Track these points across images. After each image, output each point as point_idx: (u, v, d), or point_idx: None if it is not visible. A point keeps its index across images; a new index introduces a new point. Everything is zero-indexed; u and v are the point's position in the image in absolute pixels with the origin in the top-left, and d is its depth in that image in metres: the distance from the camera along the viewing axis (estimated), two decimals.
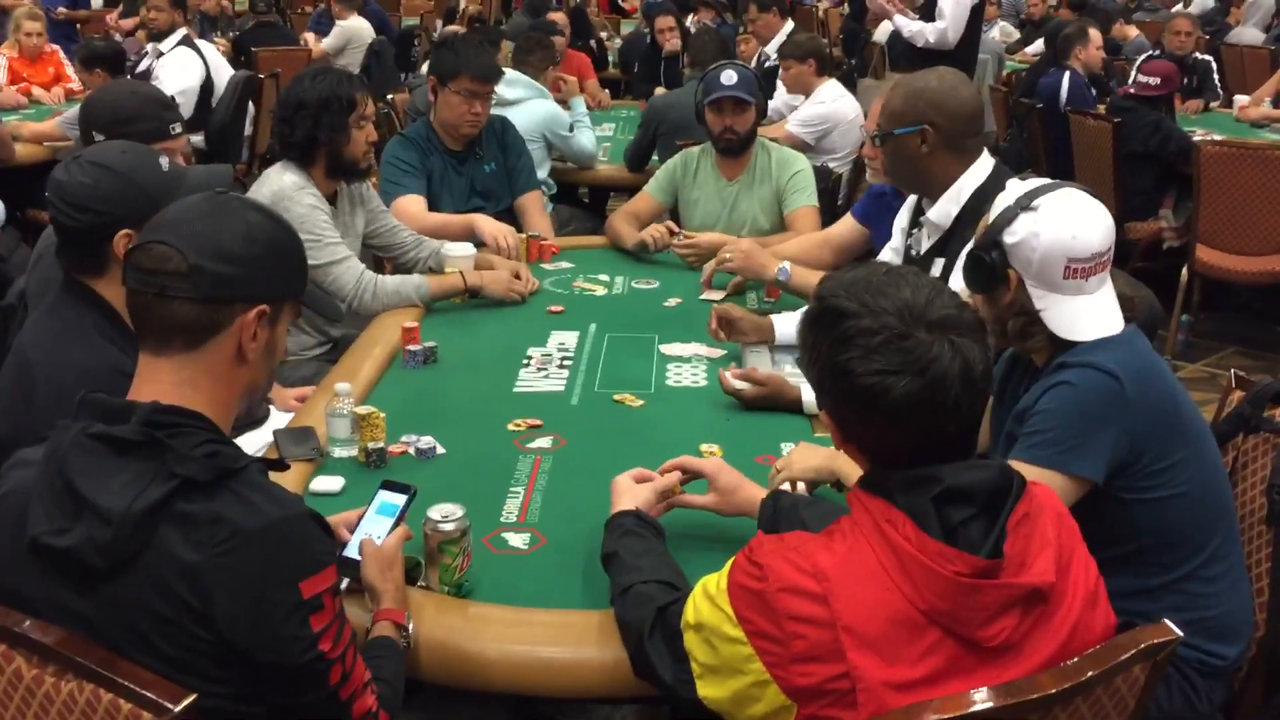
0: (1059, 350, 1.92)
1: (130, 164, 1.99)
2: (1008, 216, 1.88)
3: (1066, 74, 6.23)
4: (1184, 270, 5.12)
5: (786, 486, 2.00)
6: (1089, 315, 1.90)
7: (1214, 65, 7.45)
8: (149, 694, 1.29)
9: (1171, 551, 1.90)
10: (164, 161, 2.03)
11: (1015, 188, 1.93)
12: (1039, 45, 9.42)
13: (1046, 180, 1.93)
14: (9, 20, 7.27)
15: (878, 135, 2.68)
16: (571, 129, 4.94)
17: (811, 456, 2.05)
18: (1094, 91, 6.39)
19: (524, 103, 4.73)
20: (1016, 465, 1.78)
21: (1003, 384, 2.13)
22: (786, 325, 2.83)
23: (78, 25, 8.44)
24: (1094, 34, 6.46)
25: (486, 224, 3.63)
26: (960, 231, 2.59)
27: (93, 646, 1.35)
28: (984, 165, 2.63)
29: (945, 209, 2.64)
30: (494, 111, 4.08)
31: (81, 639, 1.36)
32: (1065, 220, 1.86)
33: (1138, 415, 1.84)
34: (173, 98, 2.95)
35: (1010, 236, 1.87)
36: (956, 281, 2.45)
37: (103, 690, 1.32)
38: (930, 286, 1.43)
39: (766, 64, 6.54)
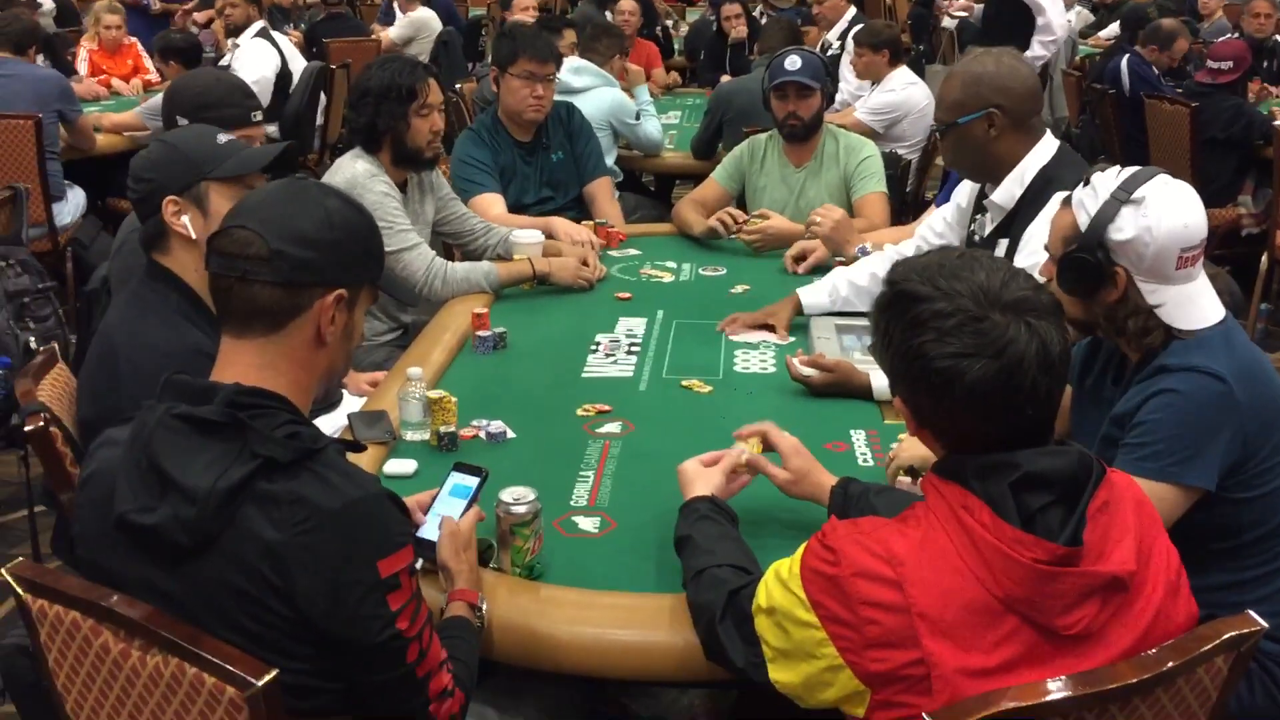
0: (1158, 347, 1.87)
1: (182, 136, 2.10)
2: (1109, 213, 1.80)
3: (1125, 58, 6.10)
4: (1263, 257, 5.00)
5: (902, 478, 1.98)
6: (1203, 302, 1.85)
7: None
8: (233, 669, 1.33)
9: (1269, 544, 1.87)
10: (222, 138, 2.09)
11: (1101, 181, 1.85)
12: (1113, 29, 9.22)
13: (1131, 169, 1.87)
14: (89, 13, 7.43)
15: (939, 127, 2.63)
16: (638, 117, 4.94)
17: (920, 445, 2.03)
18: (1158, 74, 6.25)
19: (591, 91, 4.73)
20: (1129, 477, 1.73)
21: (1082, 372, 2.10)
22: (812, 296, 2.94)
23: (172, 18, 8.62)
24: (1180, 46, 6.32)
25: (561, 226, 3.64)
26: (1024, 211, 2.55)
27: (178, 622, 1.39)
28: (1048, 145, 2.59)
29: (1009, 190, 2.60)
30: (560, 98, 4.09)
31: (167, 615, 1.40)
32: (1175, 210, 1.80)
33: (1247, 416, 1.80)
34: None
35: (1118, 233, 1.80)
36: (1021, 261, 2.42)
37: (188, 664, 1.36)
38: (1005, 269, 1.41)
39: (829, 51, 6.48)
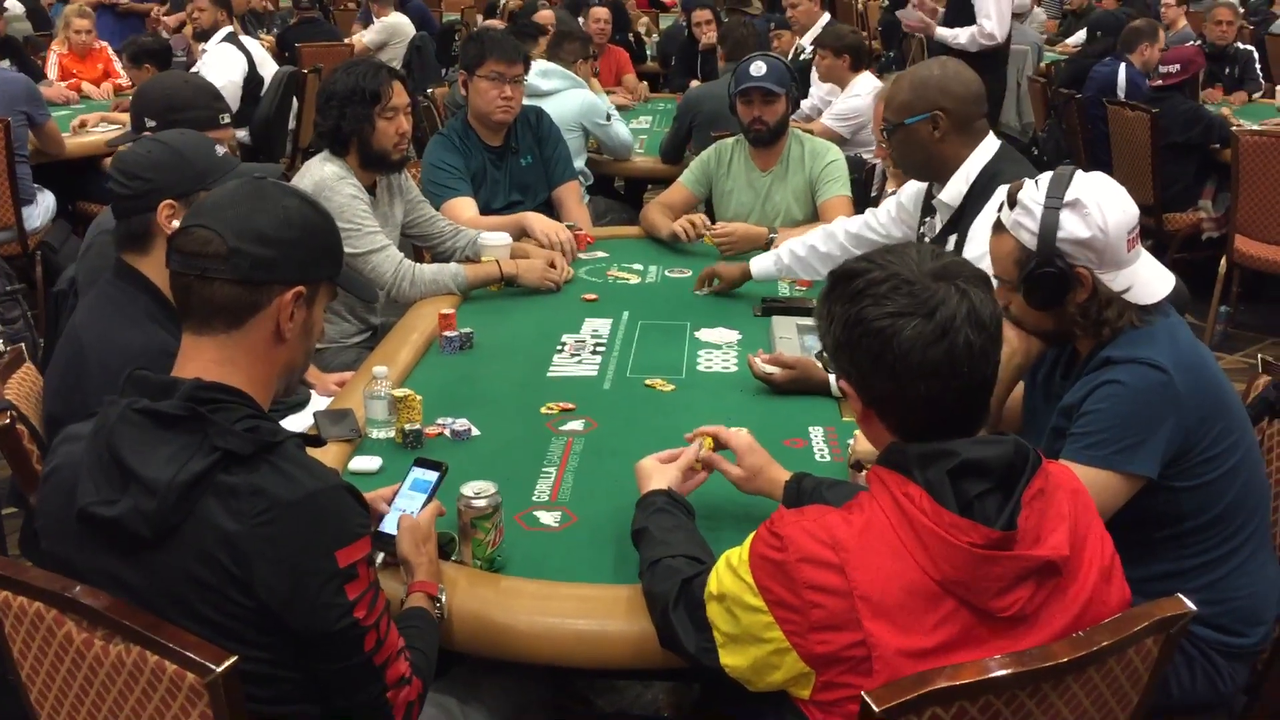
0: (1103, 341, 1.92)
1: (183, 142, 2.10)
2: (1052, 221, 1.85)
3: (1123, 65, 6.18)
4: (1223, 261, 5.09)
5: (856, 474, 2.03)
6: (1156, 272, 1.92)
7: (1256, 55, 7.36)
8: (193, 656, 1.36)
9: (1211, 533, 1.92)
10: (219, 149, 2.13)
11: (1027, 196, 1.89)
12: (1079, 37, 9.33)
13: (1044, 176, 1.91)
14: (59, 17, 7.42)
15: (886, 128, 2.74)
16: (608, 118, 4.98)
17: None
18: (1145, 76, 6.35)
19: (560, 93, 4.77)
20: (1070, 466, 1.79)
21: (1033, 369, 2.15)
22: (760, 264, 3.22)
23: (142, 19, 8.59)
24: (1162, 35, 6.44)
25: (538, 222, 3.68)
26: (970, 208, 2.65)
27: (140, 611, 1.42)
28: (990, 145, 2.69)
29: (955, 189, 2.70)
30: (530, 103, 4.13)
31: (129, 604, 1.42)
32: (1112, 199, 1.86)
33: (1189, 407, 1.85)
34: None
35: (1070, 238, 1.85)
36: (969, 253, 2.50)
37: (149, 653, 1.39)
38: (936, 250, 1.50)
39: (802, 56, 6.54)
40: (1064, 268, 1.87)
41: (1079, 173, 1.89)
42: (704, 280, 3.28)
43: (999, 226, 1.95)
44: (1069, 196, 1.85)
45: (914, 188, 2.94)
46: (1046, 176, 1.90)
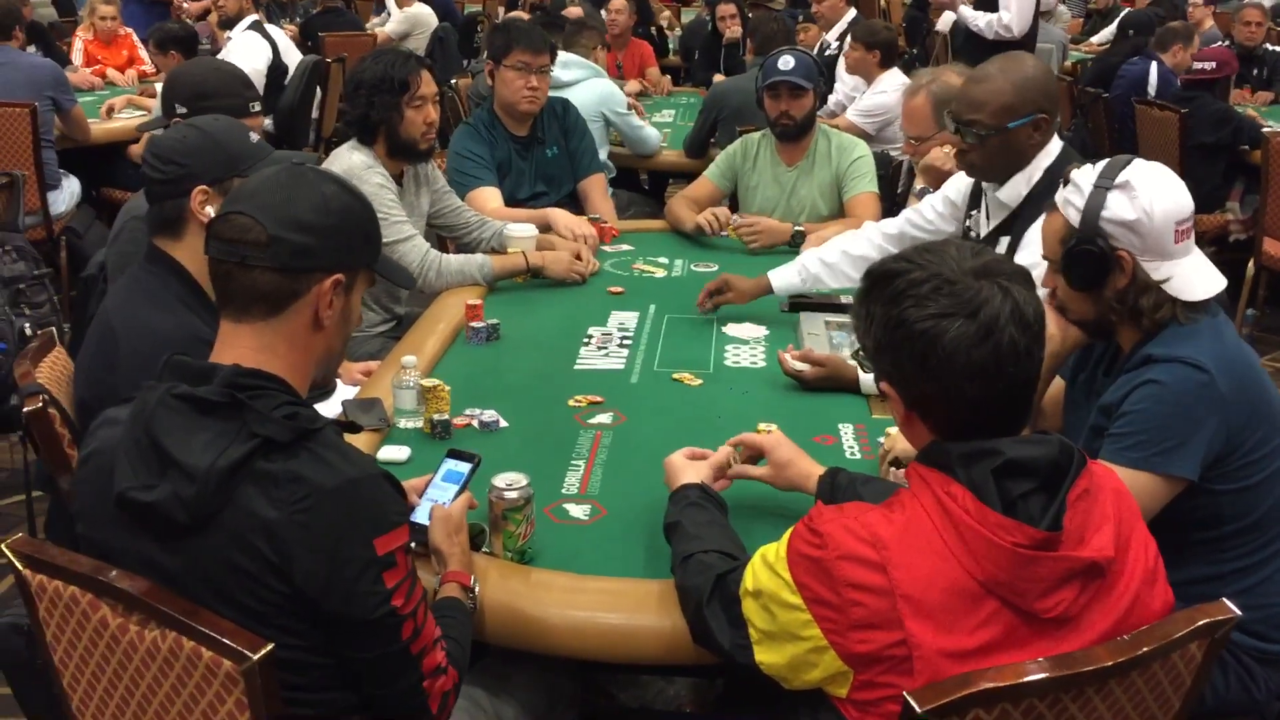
0: (1145, 337, 1.90)
1: (218, 128, 2.10)
2: (1099, 201, 1.84)
3: (1154, 63, 6.14)
4: (1250, 264, 5.05)
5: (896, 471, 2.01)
6: (1206, 272, 1.90)
7: None
8: (229, 643, 1.35)
9: (1250, 537, 1.90)
10: (253, 136, 2.12)
11: (1081, 176, 1.89)
12: (1105, 35, 9.27)
13: (1104, 161, 1.91)
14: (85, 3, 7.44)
15: (983, 132, 2.51)
16: (629, 107, 4.98)
17: None
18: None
19: (581, 83, 4.76)
20: (1109, 467, 1.77)
21: (1076, 367, 2.13)
22: (782, 277, 2.96)
23: (172, 6, 8.59)
24: (1197, 39, 6.40)
25: (560, 217, 3.67)
26: (1028, 210, 2.55)
27: (176, 597, 1.41)
28: (1054, 146, 2.61)
29: (1015, 189, 2.60)
30: (553, 94, 4.11)
31: (165, 590, 1.42)
32: (1163, 186, 1.85)
33: (1231, 408, 1.83)
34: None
35: (1115, 218, 1.84)
36: (1021, 259, 2.43)
37: (185, 639, 1.38)
38: (976, 247, 1.48)
39: (827, 52, 6.52)
40: (1105, 248, 1.85)
41: (1137, 160, 1.89)
42: (710, 293, 2.97)
43: (1051, 205, 1.95)
44: (1120, 179, 1.85)
45: (962, 182, 2.85)
46: (1104, 161, 1.90)
